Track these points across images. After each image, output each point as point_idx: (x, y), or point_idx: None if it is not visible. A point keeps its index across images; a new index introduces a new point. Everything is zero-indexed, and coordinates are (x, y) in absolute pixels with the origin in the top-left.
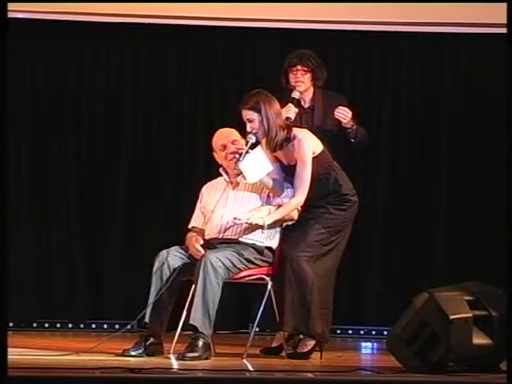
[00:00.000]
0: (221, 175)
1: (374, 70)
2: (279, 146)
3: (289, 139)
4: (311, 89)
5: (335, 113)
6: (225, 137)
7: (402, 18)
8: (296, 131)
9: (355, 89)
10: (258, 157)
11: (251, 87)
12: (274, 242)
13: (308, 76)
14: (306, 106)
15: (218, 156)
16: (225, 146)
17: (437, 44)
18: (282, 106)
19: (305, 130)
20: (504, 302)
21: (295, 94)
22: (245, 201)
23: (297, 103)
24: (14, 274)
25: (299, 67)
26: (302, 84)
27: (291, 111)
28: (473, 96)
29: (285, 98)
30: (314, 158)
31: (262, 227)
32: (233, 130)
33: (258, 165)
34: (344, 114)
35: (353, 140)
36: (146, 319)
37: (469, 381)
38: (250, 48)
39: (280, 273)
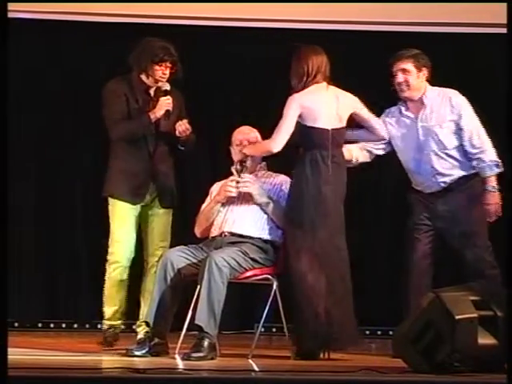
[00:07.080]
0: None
1: (373, 70)
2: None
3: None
4: None
5: (176, 127)
6: (245, 133)
7: (402, 18)
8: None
9: (355, 89)
10: None
11: (251, 87)
12: (275, 236)
13: None
14: None
15: (234, 151)
16: (241, 142)
17: (437, 44)
18: None
19: (315, 92)
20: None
21: None
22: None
23: None
24: (19, 274)
25: None
26: None
27: None
28: (472, 96)
29: None
30: (311, 127)
31: None
32: (253, 129)
33: None
34: (181, 130)
35: (182, 148)
36: (149, 319)
37: (474, 381)
38: (250, 48)
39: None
